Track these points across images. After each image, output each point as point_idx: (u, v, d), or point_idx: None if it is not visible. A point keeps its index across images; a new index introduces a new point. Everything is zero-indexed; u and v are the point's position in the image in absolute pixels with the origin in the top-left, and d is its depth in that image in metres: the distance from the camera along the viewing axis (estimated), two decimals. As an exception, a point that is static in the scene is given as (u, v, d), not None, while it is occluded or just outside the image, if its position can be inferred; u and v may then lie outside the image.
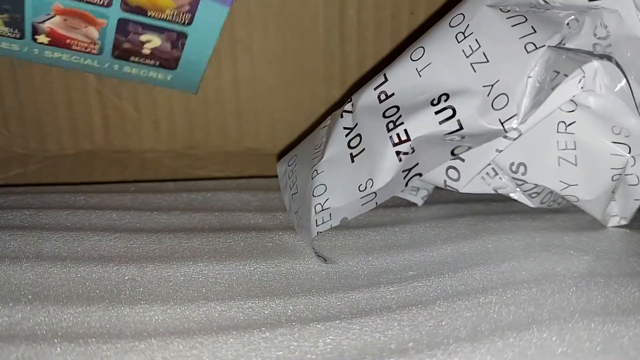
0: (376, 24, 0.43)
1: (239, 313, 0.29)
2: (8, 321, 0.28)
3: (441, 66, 0.32)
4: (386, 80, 0.33)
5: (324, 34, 0.43)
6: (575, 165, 0.32)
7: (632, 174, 0.32)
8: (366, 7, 0.43)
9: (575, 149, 0.31)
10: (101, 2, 0.39)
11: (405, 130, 0.31)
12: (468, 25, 0.31)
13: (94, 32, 0.40)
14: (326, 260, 0.33)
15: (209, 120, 0.44)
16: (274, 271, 0.32)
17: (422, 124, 0.31)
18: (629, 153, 0.31)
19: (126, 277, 0.31)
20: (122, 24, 0.40)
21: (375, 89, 0.33)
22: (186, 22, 0.40)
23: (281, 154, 0.44)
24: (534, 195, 0.34)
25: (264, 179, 0.44)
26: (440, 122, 0.31)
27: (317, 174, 0.33)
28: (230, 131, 0.45)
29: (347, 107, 0.34)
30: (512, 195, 0.34)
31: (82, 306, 0.29)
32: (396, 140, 0.31)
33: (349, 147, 0.33)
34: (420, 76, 0.32)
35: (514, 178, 0.33)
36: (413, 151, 0.31)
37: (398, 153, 0.31)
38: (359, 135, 0.33)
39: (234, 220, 0.38)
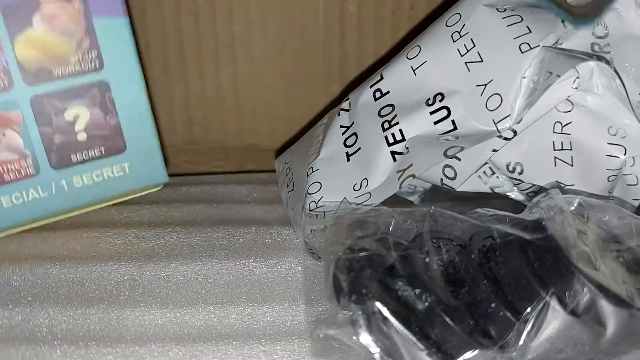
0: (376, 20, 0.43)
1: (238, 321, 0.29)
2: (8, 323, 0.28)
3: (435, 65, 0.32)
4: (382, 78, 0.33)
5: (323, 30, 0.43)
6: (572, 165, 0.32)
7: (631, 174, 0.32)
8: (366, 2, 0.43)
9: (571, 149, 0.31)
10: (2, 87, 0.32)
11: (400, 130, 0.31)
12: (464, 24, 0.31)
13: (16, 138, 0.32)
14: (319, 258, 0.33)
15: (208, 116, 0.44)
16: (273, 271, 0.33)
17: (417, 124, 0.31)
18: (625, 155, 0.31)
19: (125, 277, 0.32)
20: (37, 105, 0.32)
21: (371, 86, 0.33)
22: (97, 65, 0.33)
23: (280, 150, 0.44)
24: (531, 194, 0.34)
25: (264, 173, 0.44)
26: (435, 123, 0.31)
27: (313, 171, 0.33)
28: (229, 127, 0.45)
29: (344, 105, 0.34)
30: (509, 194, 0.34)
31: (81, 308, 0.29)
32: (391, 140, 0.31)
33: (345, 145, 0.33)
34: (415, 75, 0.32)
35: (510, 177, 0.33)
36: (408, 151, 0.31)
37: (393, 153, 0.31)
38: (355, 134, 0.33)
39: (233, 213, 0.38)
